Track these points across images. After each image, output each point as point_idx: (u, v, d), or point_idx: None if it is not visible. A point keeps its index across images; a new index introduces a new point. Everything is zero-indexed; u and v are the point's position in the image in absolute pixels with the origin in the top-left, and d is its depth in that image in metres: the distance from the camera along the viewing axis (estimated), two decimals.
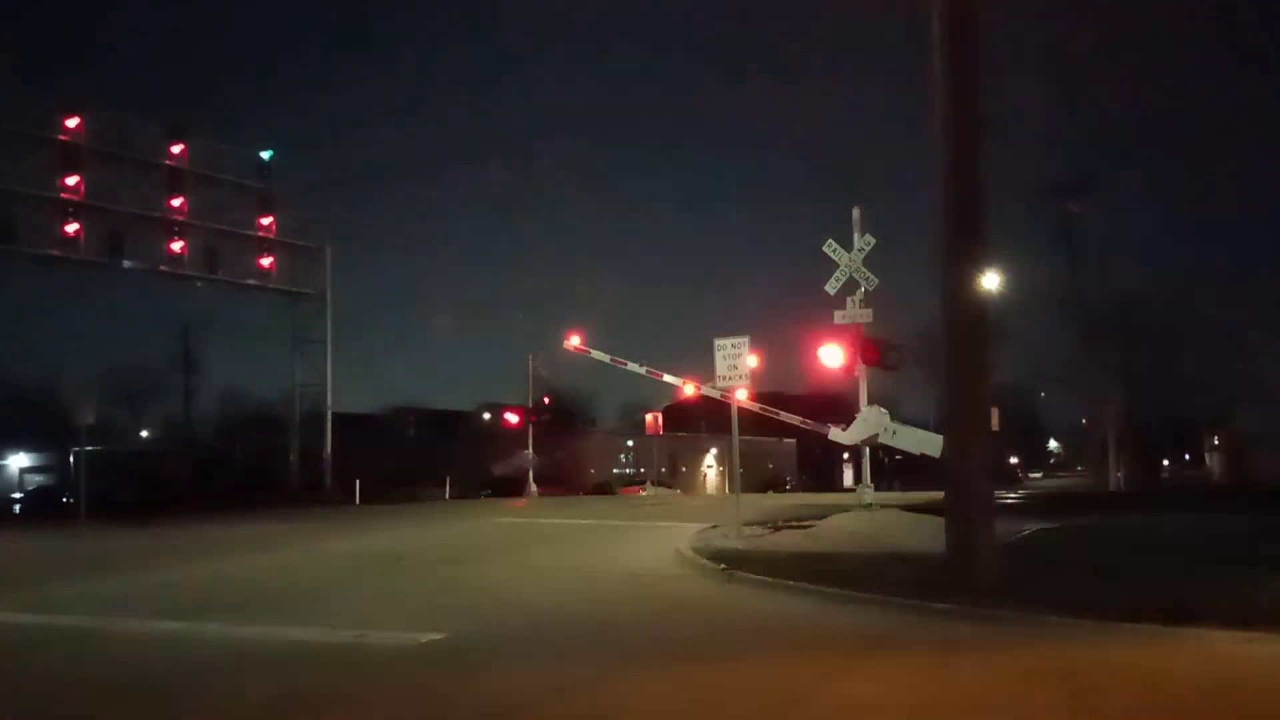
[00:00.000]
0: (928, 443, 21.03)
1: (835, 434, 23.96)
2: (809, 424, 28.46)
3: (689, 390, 32.02)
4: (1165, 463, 69.60)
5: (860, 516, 19.16)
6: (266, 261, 41.54)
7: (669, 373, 31.16)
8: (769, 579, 11.77)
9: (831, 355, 21.52)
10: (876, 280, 21.54)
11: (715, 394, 29.76)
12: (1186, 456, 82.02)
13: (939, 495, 11.83)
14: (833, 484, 62.09)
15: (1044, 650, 8.09)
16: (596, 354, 38.02)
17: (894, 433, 22.59)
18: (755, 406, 30.33)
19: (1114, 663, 7.69)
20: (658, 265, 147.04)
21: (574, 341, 36.88)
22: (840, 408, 31.22)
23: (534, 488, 44.88)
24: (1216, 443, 63.55)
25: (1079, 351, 47.31)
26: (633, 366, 38.75)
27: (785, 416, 30.03)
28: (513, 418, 47.87)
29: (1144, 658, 7.80)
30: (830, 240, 21.88)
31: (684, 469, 71.19)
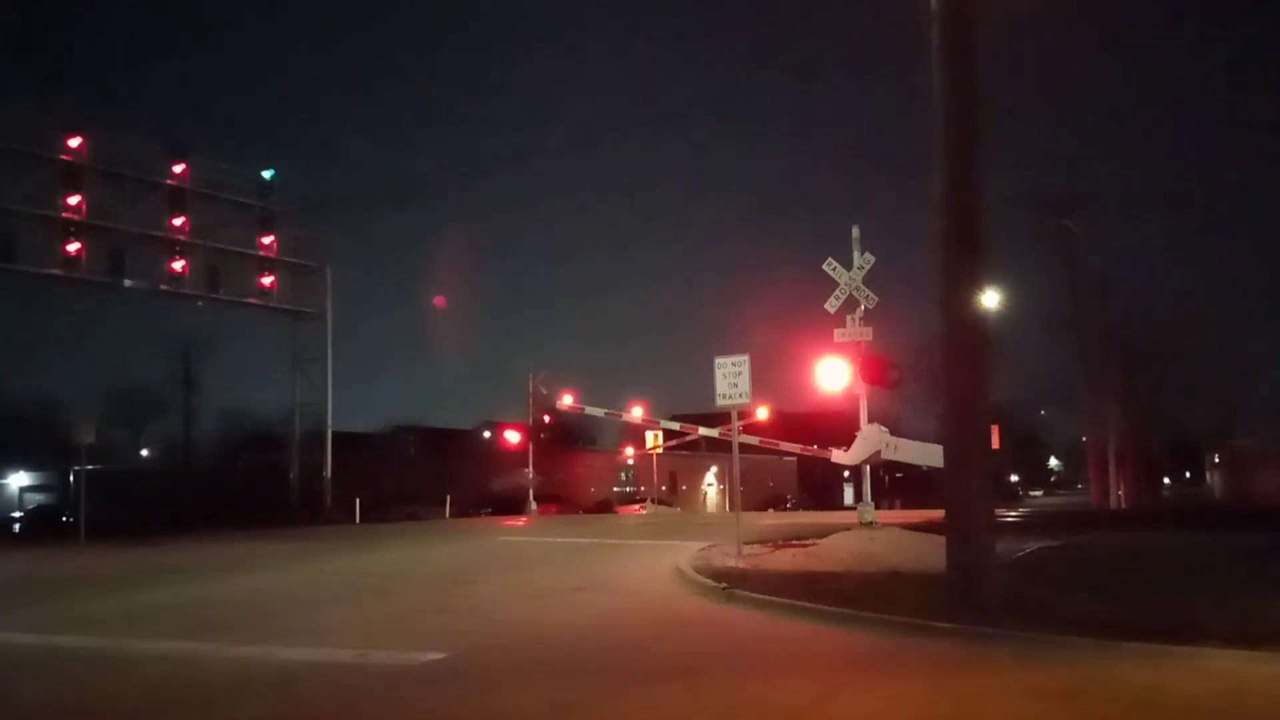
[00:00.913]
0: (929, 454, 21.03)
1: (838, 456, 24.00)
2: (810, 450, 28.58)
3: (694, 432, 32.32)
4: (1166, 480, 69.55)
5: (861, 535, 19.14)
6: (267, 280, 41.63)
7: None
8: (769, 598, 11.73)
9: (831, 374, 21.53)
10: (876, 298, 21.60)
11: (714, 433, 30.09)
12: (1187, 474, 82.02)
13: (939, 513, 11.82)
14: (833, 502, 62.05)
15: (1045, 669, 8.07)
16: (590, 410, 38.76)
17: (895, 447, 22.62)
18: (755, 440, 30.56)
19: (1115, 681, 7.67)
20: (655, 282, 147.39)
21: (567, 400, 37.36)
22: (841, 425, 31.31)
23: (534, 506, 44.84)
24: (1217, 460, 63.53)
25: (1079, 369, 47.34)
26: (628, 417, 39.46)
27: (786, 446, 30.19)
28: (513, 436, 47.54)
29: (1145, 676, 7.78)
30: (830, 259, 21.96)
31: (684, 487, 71.07)
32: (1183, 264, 75.89)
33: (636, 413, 39.09)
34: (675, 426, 38.64)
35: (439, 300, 56.72)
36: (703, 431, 30.61)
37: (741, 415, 20.49)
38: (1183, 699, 7.20)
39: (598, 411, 38.37)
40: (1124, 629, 8.85)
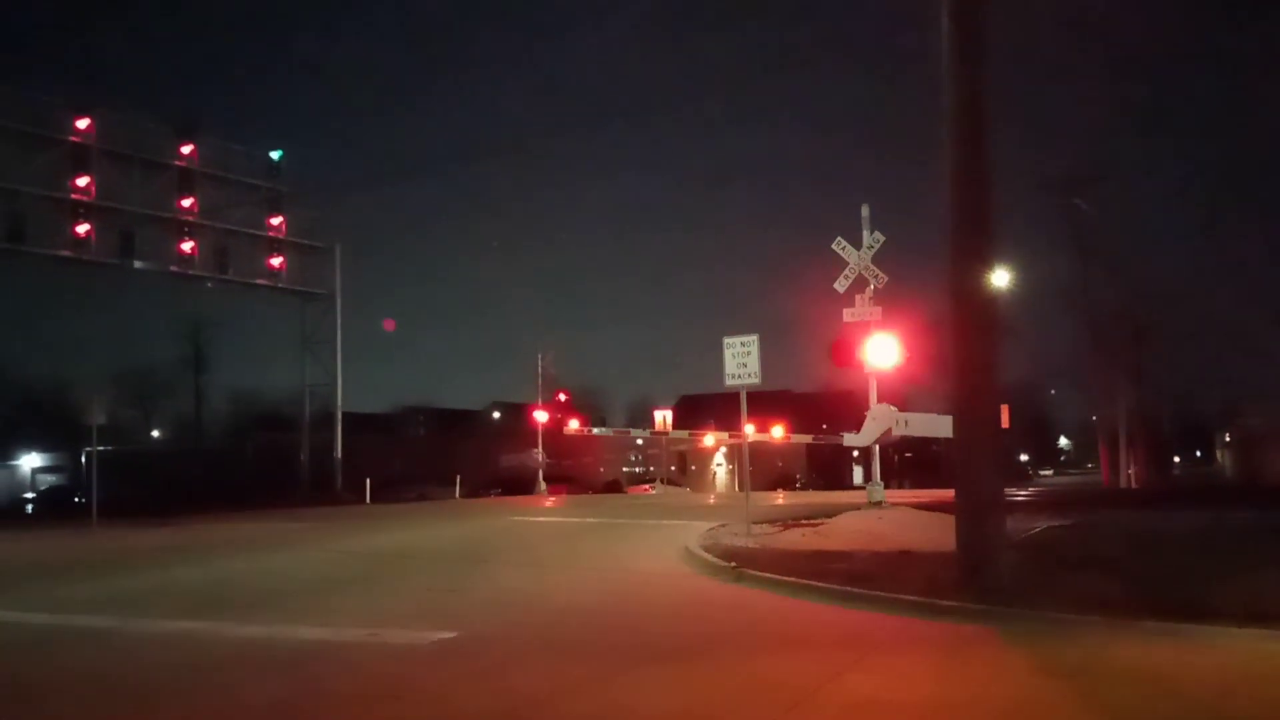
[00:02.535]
0: (940, 425, 20.89)
1: (850, 439, 23.98)
2: (822, 438, 28.77)
3: (708, 440, 32.77)
4: (1176, 459, 69.39)
5: (870, 515, 19.14)
6: (276, 261, 41.66)
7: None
8: (778, 577, 11.75)
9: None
10: (886, 277, 21.52)
11: (723, 436, 30.52)
12: (1198, 453, 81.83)
13: (949, 493, 11.82)
14: (842, 482, 61.99)
15: (1054, 648, 8.07)
16: (599, 430, 39.80)
17: (906, 423, 22.55)
18: (765, 437, 30.83)
19: (1124, 660, 7.67)
20: (663, 263, 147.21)
21: (574, 425, 37.92)
22: (850, 404, 31.42)
23: (543, 486, 44.89)
24: (1228, 439, 63.34)
25: (1089, 348, 47.22)
26: (636, 433, 40.56)
27: (797, 438, 30.45)
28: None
29: (1155, 655, 7.78)
30: (839, 238, 21.87)
31: (693, 467, 71.13)
32: (1193, 241, 75.53)
33: (644, 432, 40.39)
34: (685, 434, 39.60)
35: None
36: (709, 440, 31.01)
37: (754, 417, 20.61)
38: (1194, 677, 7.21)
39: (606, 431, 39.88)
40: (1134, 608, 8.85)
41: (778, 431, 35.18)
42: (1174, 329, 44.95)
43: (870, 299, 21.45)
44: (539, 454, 47.00)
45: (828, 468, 70.44)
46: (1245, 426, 55.12)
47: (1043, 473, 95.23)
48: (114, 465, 44.13)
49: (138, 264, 37.51)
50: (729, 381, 16.96)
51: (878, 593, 10.37)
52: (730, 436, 24.04)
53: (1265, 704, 6.80)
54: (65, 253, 35.35)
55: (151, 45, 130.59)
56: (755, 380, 16.87)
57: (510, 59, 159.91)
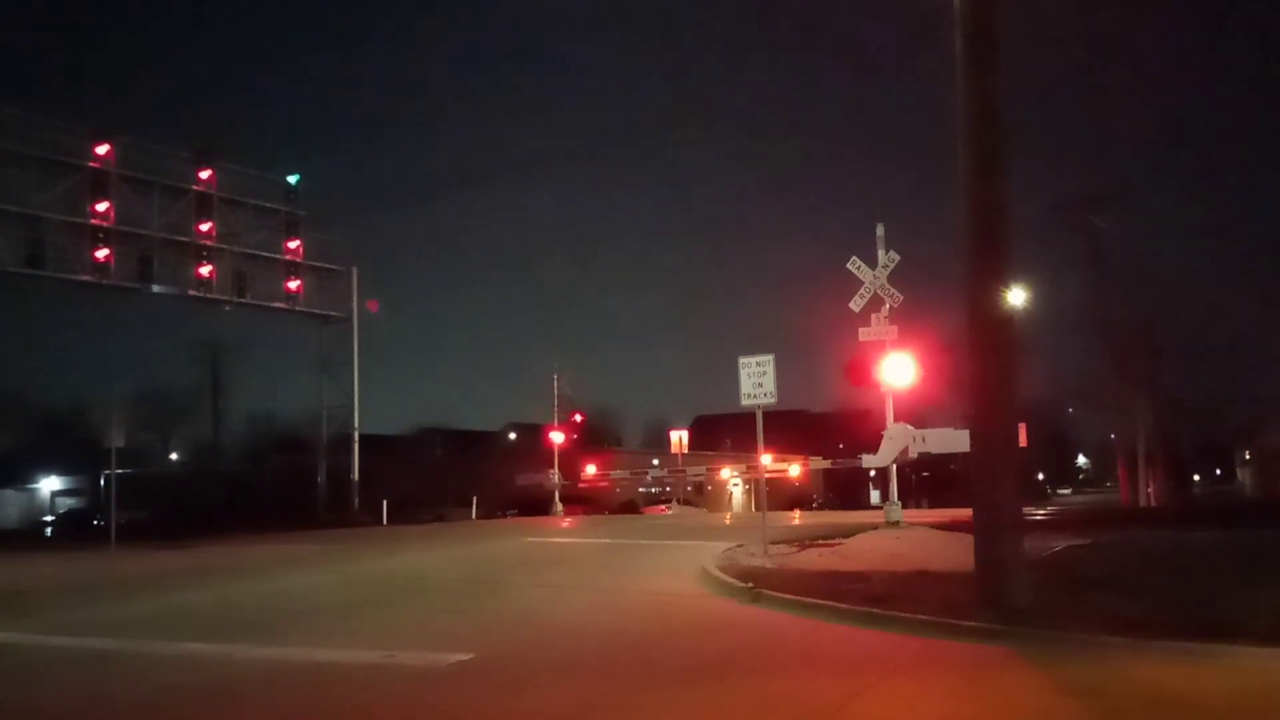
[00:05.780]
0: (958, 440, 20.74)
1: (868, 460, 23.91)
2: (840, 463, 28.88)
3: (724, 473, 33.05)
4: (1196, 478, 68.85)
5: (888, 535, 19.05)
6: (293, 285, 41.94)
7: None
8: (796, 597, 11.70)
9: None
10: (901, 296, 21.48)
11: (741, 469, 30.58)
12: (1218, 471, 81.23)
13: (967, 512, 11.75)
14: (859, 502, 61.84)
15: (1074, 669, 8.01)
16: (616, 474, 40.66)
17: (923, 439, 22.43)
18: (784, 468, 31.06)
19: (1145, 681, 7.61)
20: (678, 283, 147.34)
21: (590, 470, 38.62)
22: (867, 424, 31.40)
23: (560, 507, 44.80)
24: (1248, 457, 62.87)
25: (1107, 366, 46.95)
26: (652, 471, 41.51)
27: (814, 463, 30.59)
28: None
29: (1176, 676, 7.71)
30: (854, 257, 21.84)
31: (710, 487, 70.92)
32: (1211, 258, 75.25)
33: (660, 470, 41.40)
34: (703, 470, 40.49)
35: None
36: (726, 474, 31.37)
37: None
38: (1215, 698, 7.14)
39: (623, 474, 40.85)
40: (1155, 627, 8.77)
41: (795, 470, 35.18)
42: (1193, 346, 44.67)
43: (886, 318, 21.40)
44: (555, 475, 46.93)
45: (845, 487, 70.24)
46: (1265, 444, 54.70)
47: (1061, 491, 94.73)
48: (132, 488, 44.29)
49: (156, 288, 37.84)
50: (745, 401, 16.91)
51: (896, 613, 10.30)
52: (747, 469, 24.11)
53: None
54: (85, 277, 35.65)
55: (170, 72, 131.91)
56: (771, 400, 16.82)
57: (524, 79, 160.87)
